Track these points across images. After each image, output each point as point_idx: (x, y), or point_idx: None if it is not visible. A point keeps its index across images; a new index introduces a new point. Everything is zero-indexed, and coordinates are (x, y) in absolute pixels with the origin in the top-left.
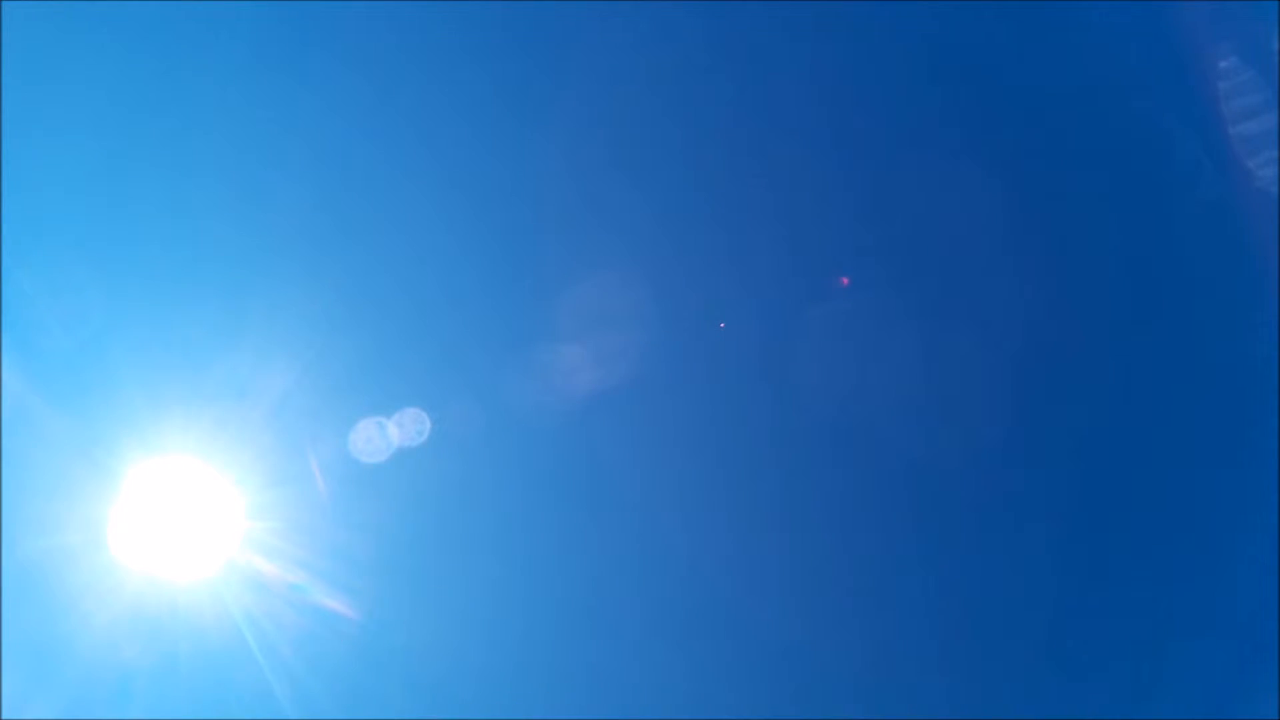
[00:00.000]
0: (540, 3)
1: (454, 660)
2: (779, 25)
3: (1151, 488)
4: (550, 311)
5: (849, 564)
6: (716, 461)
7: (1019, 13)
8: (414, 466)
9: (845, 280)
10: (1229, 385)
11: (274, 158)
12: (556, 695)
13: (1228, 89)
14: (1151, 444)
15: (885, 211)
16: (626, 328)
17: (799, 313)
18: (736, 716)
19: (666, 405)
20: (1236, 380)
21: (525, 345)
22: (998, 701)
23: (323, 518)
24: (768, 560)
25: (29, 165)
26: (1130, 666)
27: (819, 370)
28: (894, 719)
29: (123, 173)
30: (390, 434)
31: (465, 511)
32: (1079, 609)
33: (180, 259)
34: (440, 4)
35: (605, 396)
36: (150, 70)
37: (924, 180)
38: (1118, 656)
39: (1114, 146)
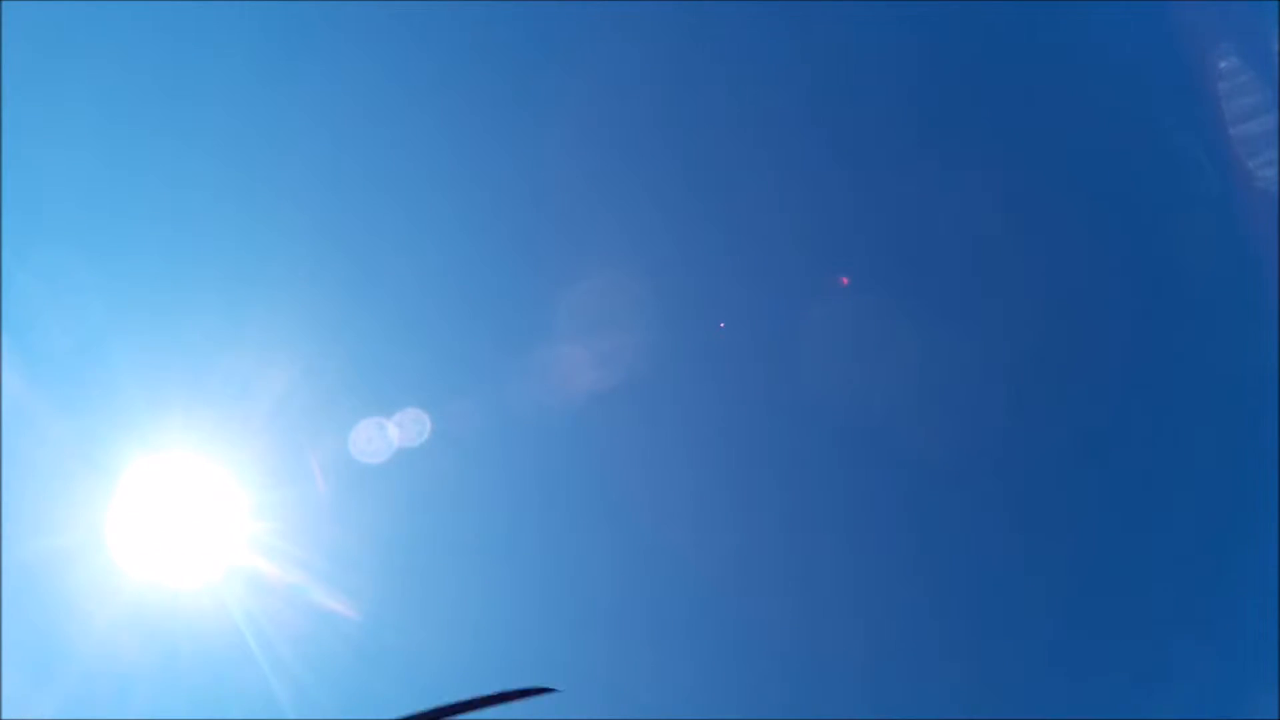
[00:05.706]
0: (541, 3)
1: (453, 660)
2: (780, 25)
3: (1152, 487)
4: (550, 311)
5: (850, 564)
6: (716, 461)
7: (1020, 13)
8: (414, 466)
9: (845, 280)
10: (1230, 385)
11: (275, 158)
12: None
13: (1228, 89)
14: (1152, 444)
15: (886, 210)
16: (626, 327)
17: (798, 312)
18: (738, 716)
19: (666, 405)
20: (1237, 380)
21: (525, 345)
22: (998, 701)
23: (323, 518)
24: (769, 560)
25: (29, 165)
26: (1131, 666)
27: (819, 369)
28: (894, 719)
29: (123, 173)
30: (390, 434)
31: (465, 512)
32: (1080, 609)
33: (181, 259)
34: (440, 4)
35: (605, 397)
36: (151, 71)
37: (925, 180)
38: (1119, 656)
39: (1114, 146)
